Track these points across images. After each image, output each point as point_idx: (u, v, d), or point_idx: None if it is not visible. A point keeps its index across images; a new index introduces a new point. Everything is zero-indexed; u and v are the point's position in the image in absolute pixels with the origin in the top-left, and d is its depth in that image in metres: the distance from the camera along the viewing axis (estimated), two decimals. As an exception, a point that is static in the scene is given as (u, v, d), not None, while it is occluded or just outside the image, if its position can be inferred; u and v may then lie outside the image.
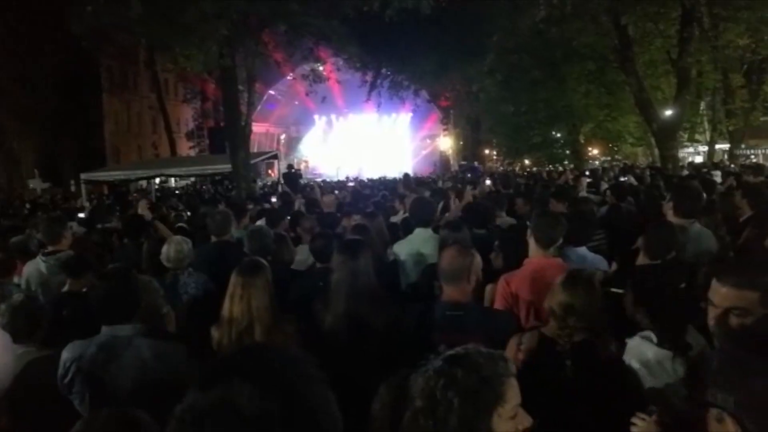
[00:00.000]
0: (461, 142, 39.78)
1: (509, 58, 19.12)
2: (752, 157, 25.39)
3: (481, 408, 1.54)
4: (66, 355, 2.76)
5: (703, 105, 25.63)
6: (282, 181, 17.06)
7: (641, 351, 2.85)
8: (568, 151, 25.02)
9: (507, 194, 9.20)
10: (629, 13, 15.87)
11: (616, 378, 2.84)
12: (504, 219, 6.45)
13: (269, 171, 29.47)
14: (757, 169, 10.75)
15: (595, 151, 32.93)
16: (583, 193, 9.03)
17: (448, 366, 1.57)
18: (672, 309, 2.95)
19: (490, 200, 7.61)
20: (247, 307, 3.11)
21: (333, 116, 41.27)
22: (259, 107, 27.99)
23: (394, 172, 26.90)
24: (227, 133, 16.16)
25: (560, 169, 21.96)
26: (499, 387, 1.56)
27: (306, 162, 40.74)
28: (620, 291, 3.48)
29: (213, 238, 5.17)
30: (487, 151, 40.06)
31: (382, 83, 21.01)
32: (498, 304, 3.62)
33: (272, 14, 13.39)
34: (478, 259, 3.24)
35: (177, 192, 24.00)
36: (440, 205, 7.10)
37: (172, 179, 28.65)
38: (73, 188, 24.64)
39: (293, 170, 20.42)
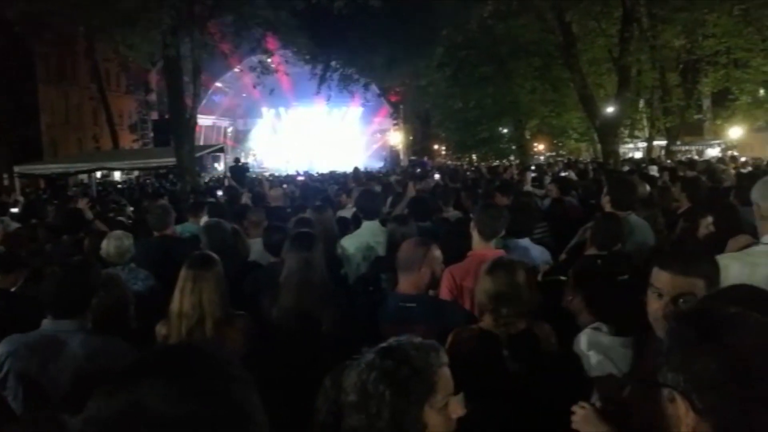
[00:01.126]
0: (411, 137, 40.03)
1: (458, 54, 19.31)
2: (687, 153, 26.51)
3: (413, 399, 1.54)
4: (1, 349, 2.63)
5: (642, 102, 26.56)
6: (228, 175, 16.74)
7: (597, 340, 2.93)
8: (514, 147, 25.52)
9: (454, 188, 9.32)
10: (572, 10, 16.27)
11: (556, 366, 2.91)
12: (451, 213, 6.53)
13: (216, 164, 28.88)
14: (690, 164, 11.25)
15: (541, 147, 33.77)
16: (528, 188, 9.23)
17: (379, 359, 1.57)
18: (618, 297, 3.05)
19: (437, 194, 7.71)
20: (198, 301, 3.03)
21: (282, 109, 40.80)
22: (205, 99, 27.36)
23: (344, 166, 26.81)
24: (172, 125, 15.77)
25: (506, 163, 22.39)
26: (431, 378, 1.57)
27: (254, 155, 40.15)
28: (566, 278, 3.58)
29: (155, 233, 5.02)
30: (436, 146, 40.46)
31: (332, 76, 20.84)
32: (443, 296, 3.66)
33: (218, 4, 13.10)
34: (435, 252, 3.25)
35: (119, 186, 23.24)
36: (389, 198, 7.13)
37: (115, 173, 27.73)
38: (6, 182, 23.50)
39: (240, 163, 20.08)
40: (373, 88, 24.76)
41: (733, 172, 11.40)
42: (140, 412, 0.82)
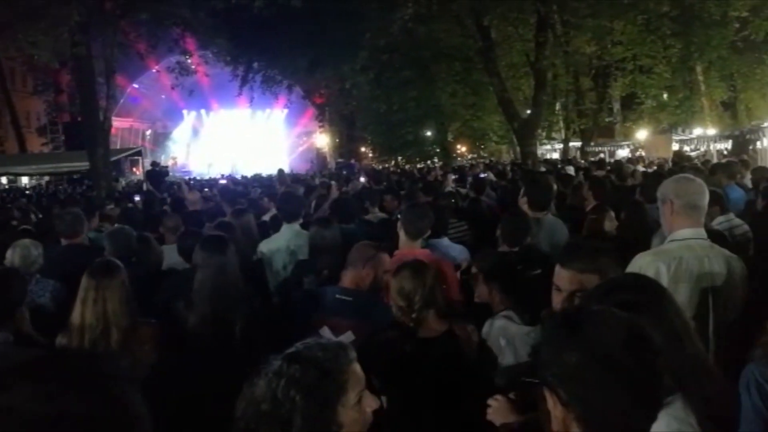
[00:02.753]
0: (338, 139, 39.95)
1: (381, 57, 19.44)
2: (600, 153, 27.88)
3: (324, 401, 1.54)
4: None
5: (558, 105, 27.75)
6: (145, 180, 16.12)
7: (506, 329, 3.03)
8: (438, 149, 25.99)
9: (379, 190, 9.39)
10: (490, 14, 16.76)
11: (472, 361, 3.00)
12: (376, 214, 6.57)
13: (134, 169, 27.72)
14: (600, 164, 11.85)
15: (464, 149, 34.58)
16: (450, 188, 9.44)
17: (286, 365, 1.56)
18: (527, 290, 3.18)
19: (363, 196, 7.74)
20: (102, 311, 2.90)
21: (203, 111, 39.68)
22: (121, 101, 26.22)
23: (269, 169, 26.42)
24: (84, 128, 15.02)
25: (431, 165, 22.77)
26: (341, 377, 1.57)
27: (175, 159, 38.82)
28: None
29: (64, 241, 4.77)
30: (363, 149, 40.57)
31: (254, 78, 20.50)
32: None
33: (132, 1, 12.58)
34: (383, 258, 3.30)
35: (27, 192, 21.87)
36: (314, 201, 7.10)
37: (23, 178, 26.07)
38: None
39: (158, 167, 19.39)
40: (297, 90, 24.55)
41: (641, 170, 12.11)
42: (12, 414, 0.87)
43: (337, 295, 3.11)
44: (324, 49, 17.67)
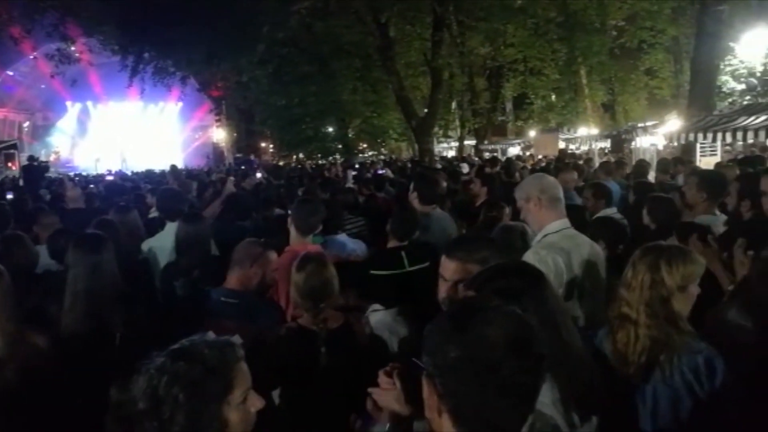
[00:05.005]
0: (235, 134, 38.88)
1: (279, 51, 19.11)
2: (494, 151, 29.08)
3: (209, 399, 1.49)
4: None
5: (454, 104, 28.64)
6: (21, 175, 14.86)
7: (385, 321, 3.08)
8: (340, 146, 25.98)
9: (277, 185, 9.26)
10: (387, 12, 16.97)
11: (370, 356, 3.02)
12: (275, 210, 6.46)
13: (9, 164, 25.47)
14: (492, 161, 12.37)
15: (366, 146, 34.82)
16: (350, 185, 9.48)
17: (170, 361, 1.49)
18: (414, 283, 3.24)
19: (260, 192, 7.60)
20: None
21: (90, 103, 37.17)
22: (-7, 89, 24.02)
23: (162, 164, 25.21)
24: (-53, 118, 13.56)
25: (332, 161, 22.73)
26: (226, 375, 1.53)
27: (57, 154, 36.12)
28: (380, 273, 3.73)
29: None
30: (264, 144, 39.75)
31: (145, 68, 19.44)
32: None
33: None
34: (270, 256, 3.21)
35: None
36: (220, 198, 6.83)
37: None
38: None
39: (36, 162, 17.93)
40: (192, 82, 23.61)
41: (529, 167, 12.76)
42: None
43: (223, 298, 2.99)
44: (220, 41, 17.07)
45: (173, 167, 13.18)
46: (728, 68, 18.18)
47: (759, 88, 17.63)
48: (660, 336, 2.21)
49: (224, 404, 1.51)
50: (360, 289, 3.30)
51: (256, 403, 1.60)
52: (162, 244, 4.25)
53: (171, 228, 4.25)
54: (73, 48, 17.43)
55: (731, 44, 16.38)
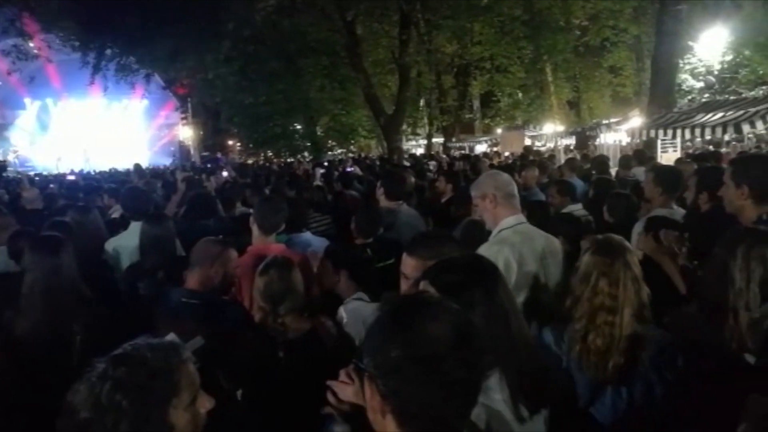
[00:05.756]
0: (202, 132, 38.34)
1: (246, 48, 18.91)
2: (462, 149, 29.31)
3: (154, 404, 1.46)
4: None
5: (422, 102, 28.76)
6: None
7: (358, 310, 3.08)
8: (308, 143, 25.83)
9: (244, 184, 9.16)
10: (353, 9, 16.94)
11: (337, 360, 3.01)
12: (240, 209, 6.40)
13: (-37, 164, 24.69)
14: (464, 158, 12.48)
15: (335, 143, 34.71)
16: (318, 183, 9.44)
17: (112, 368, 1.45)
18: (379, 279, 3.26)
19: (226, 191, 7.51)
20: None
21: (49, 100, 36.17)
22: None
23: (126, 163, 24.70)
24: None
25: (300, 159, 22.59)
26: (172, 377, 1.50)
27: (16, 152, 35.06)
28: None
29: None
30: (231, 142, 39.28)
31: (108, 65, 19.03)
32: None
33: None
34: (230, 254, 3.15)
35: None
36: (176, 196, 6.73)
37: None
38: None
39: (-8, 162, 17.42)
40: (157, 79, 23.21)
41: (496, 164, 12.89)
42: None
43: (183, 299, 2.93)
44: (184, 38, 16.81)
45: (137, 166, 12.88)
46: (687, 66, 18.67)
47: (716, 86, 18.18)
48: (638, 331, 2.30)
49: (171, 408, 1.49)
50: (352, 272, 3.27)
51: (205, 404, 1.58)
52: (126, 243, 4.17)
53: (135, 227, 4.18)
54: (31, 44, 16.96)
55: (690, 43, 16.84)
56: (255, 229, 3.84)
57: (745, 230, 2.49)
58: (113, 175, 17.09)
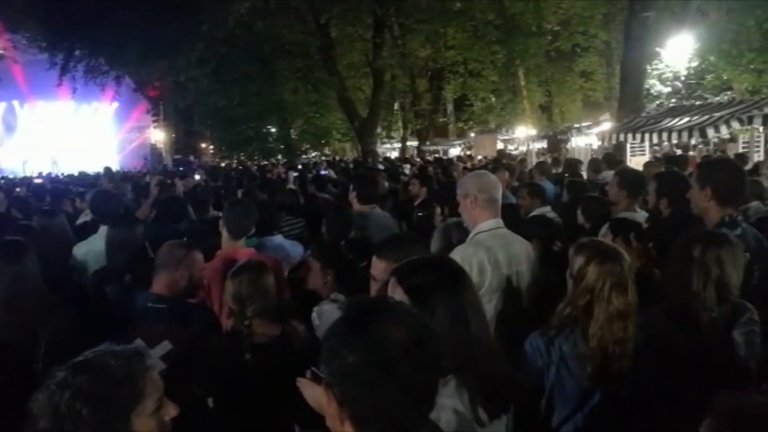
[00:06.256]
0: (174, 135, 37.87)
1: (219, 50, 18.76)
2: (436, 152, 29.47)
3: (117, 412, 1.44)
4: None
5: (396, 106, 28.85)
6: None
7: (333, 312, 3.07)
8: (282, 146, 25.71)
9: (215, 187, 9.08)
10: (327, 13, 16.94)
11: (306, 356, 3.00)
12: (213, 213, 6.33)
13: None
14: (438, 161, 12.56)
15: (309, 146, 34.61)
16: (291, 186, 9.39)
17: (72, 376, 1.43)
18: (354, 281, 3.25)
19: (198, 194, 7.44)
20: None
21: (16, 102, 35.37)
22: None
23: (96, 166, 24.26)
24: None
25: (274, 162, 22.47)
26: (136, 384, 1.48)
27: (-21, 155, 34.22)
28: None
29: None
30: (204, 145, 38.89)
31: (76, 67, 18.68)
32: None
33: None
34: (196, 256, 3.10)
35: None
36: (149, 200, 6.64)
37: None
38: None
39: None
40: (128, 81, 22.86)
41: (469, 167, 12.98)
42: None
43: (149, 303, 2.88)
44: (156, 39, 16.58)
45: (107, 169, 12.67)
46: (655, 72, 19.03)
47: (683, 91, 18.59)
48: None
49: (134, 415, 1.47)
50: (339, 273, 3.26)
51: (170, 411, 1.56)
52: (95, 247, 4.10)
53: (105, 231, 4.11)
54: (-4, 45, 16.59)
55: (658, 49, 17.16)
56: (224, 233, 3.80)
57: (701, 233, 2.55)
58: (82, 179, 16.75)
